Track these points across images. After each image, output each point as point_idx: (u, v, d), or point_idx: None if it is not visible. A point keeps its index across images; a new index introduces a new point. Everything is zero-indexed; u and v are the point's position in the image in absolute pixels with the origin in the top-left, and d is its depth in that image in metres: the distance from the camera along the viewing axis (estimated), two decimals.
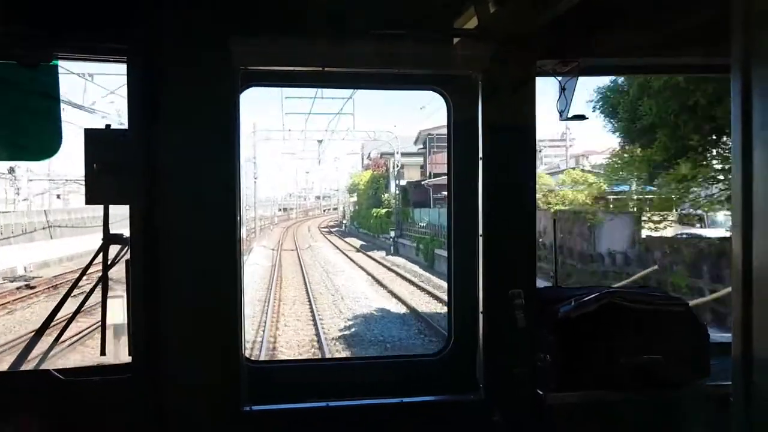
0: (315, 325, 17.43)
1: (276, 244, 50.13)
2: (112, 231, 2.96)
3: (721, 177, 17.91)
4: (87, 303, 3.27)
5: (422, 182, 50.58)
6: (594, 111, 20.46)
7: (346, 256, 39.41)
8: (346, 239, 56.71)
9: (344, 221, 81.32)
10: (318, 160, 65.62)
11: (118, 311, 3.42)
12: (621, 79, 19.57)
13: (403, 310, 20.07)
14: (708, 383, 3.00)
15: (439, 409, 3.12)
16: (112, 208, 2.93)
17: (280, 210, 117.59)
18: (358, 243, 51.93)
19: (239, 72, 2.87)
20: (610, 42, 3.22)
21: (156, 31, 2.77)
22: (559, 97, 3.38)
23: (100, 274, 2.98)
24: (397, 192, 49.12)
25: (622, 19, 3.17)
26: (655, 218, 23.51)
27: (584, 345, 2.92)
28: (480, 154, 3.07)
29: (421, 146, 53.34)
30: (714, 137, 17.67)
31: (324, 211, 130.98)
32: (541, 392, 2.92)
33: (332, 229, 78.82)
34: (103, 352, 3.06)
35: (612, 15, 3.14)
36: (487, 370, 3.07)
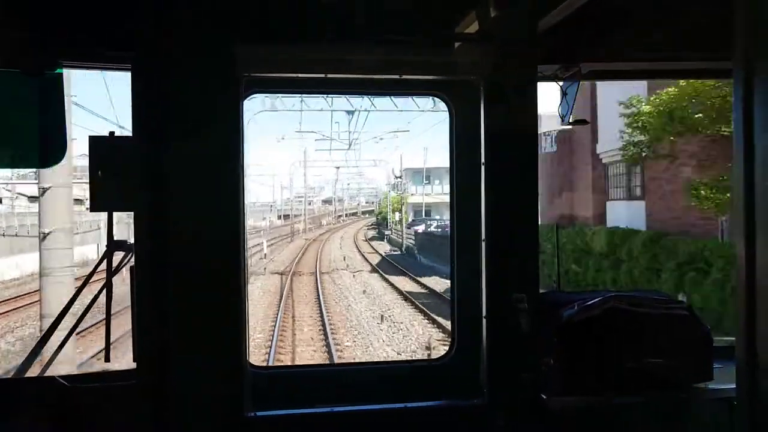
0: None
1: None
2: None
3: None
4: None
5: None
6: None
7: None
8: None
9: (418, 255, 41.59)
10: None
11: None
12: None
13: None
14: (711, 387, 2.99)
15: (443, 414, 3.11)
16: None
17: (279, 218, 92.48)
18: None
19: (243, 79, 2.89)
20: (611, 47, 3.24)
21: (160, 39, 2.79)
22: (561, 102, 3.39)
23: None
24: None
25: (623, 24, 3.19)
26: None
27: (588, 349, 2.92)
28: (482, 159, 3.08)
29: None
30: None
31: (338, 217, 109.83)
32: (544, 396, 2.92)
33: (420, 278, 29.63)
34: (107, 359, 3.06)
35: (613, 20, 3.16)
36: (490, 375, 3.07)
